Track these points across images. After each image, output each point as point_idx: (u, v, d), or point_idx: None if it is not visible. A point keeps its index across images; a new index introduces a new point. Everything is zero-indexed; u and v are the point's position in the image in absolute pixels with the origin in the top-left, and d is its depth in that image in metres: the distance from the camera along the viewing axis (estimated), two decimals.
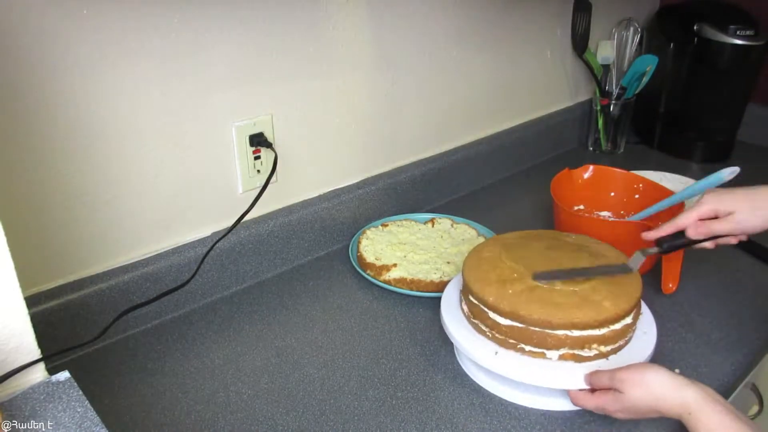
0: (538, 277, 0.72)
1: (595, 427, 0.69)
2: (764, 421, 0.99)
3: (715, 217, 0.75)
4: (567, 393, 0.69)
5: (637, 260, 0.77)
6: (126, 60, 0.75)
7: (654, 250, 0.79)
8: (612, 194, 1.07)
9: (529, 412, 0.71)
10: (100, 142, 0.76)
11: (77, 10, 0.69)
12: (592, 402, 0.66)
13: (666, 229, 0.78)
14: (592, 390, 0.67)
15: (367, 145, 1.08)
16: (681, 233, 0.77)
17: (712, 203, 0.75)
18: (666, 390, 0.60)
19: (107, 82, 0.74)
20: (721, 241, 0.78)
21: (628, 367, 0.64)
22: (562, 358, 0.69)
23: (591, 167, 1.07)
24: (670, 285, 0.90)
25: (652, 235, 0.79)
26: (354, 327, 0.86)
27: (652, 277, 0.94)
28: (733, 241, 0.78)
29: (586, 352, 0.69)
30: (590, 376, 0.67)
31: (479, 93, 1.25)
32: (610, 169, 1.08)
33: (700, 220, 0.76)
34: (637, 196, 1.05)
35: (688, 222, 0.76)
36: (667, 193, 0.96)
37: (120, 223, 0.81)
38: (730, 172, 0.83)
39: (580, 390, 0.68)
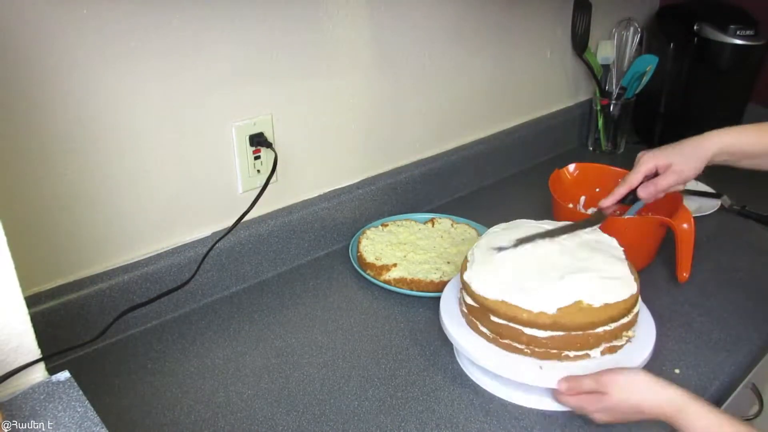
0: (500, 248, 0.75)
1: (594, 427, 0.69)
2: (764, 421, 0.99)
3: (656, 174, 0.86)
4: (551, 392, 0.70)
5: (600, 218, 0.86)
6: (126, 60, 0.75)
7: (606, 213, 0.87)
8: (597, 190, 1.07)
9: (529, 412, 0.71)
10: (100, 142, 0.76)
11: (77, 10, 0.69)
12: (574, 401, 0.67)
13: (619, 194, 0.88)
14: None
15: (367, 145, 1.08)
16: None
17: (650, 161, 0.86)
18: (651, 390, 0.61)
19: (107, 82, 0.74)
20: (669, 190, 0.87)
21: (611, 369, 0.65)
22: (602, 353, 0.70)
23: (574, 165, 1.08)
24: (684, 274, 0.91)
25: (609, 202, 0.89)
26: (354, 327, 0.86)
27: (652, 277, 0.94)
28: (680, 187, 0.88)
29: (619, 342, 0.71)
30: (569, 382, 0.67)
31: (479, 93, 1.25)
32: (593, 165, 1.09)
33: (646, 178, 0.86)
34: None
35: (636, 181, 0.87)
36: None
37: (120, 223, 0.81)
38: None
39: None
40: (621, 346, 0.71)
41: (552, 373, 0.68)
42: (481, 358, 0.71)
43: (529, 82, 1.36)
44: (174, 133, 0.82)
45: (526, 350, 0.70)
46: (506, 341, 0.71)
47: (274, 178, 0.90)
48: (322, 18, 0.92)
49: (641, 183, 0.86)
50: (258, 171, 0.93)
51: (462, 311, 0.77)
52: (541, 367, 0.69)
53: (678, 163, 0.84)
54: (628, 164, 1.14)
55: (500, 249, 0.75)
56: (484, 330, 0.73)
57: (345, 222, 1.06)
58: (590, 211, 1.09)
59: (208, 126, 0.85)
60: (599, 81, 1.42)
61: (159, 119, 0.80)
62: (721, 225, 1.12)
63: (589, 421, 0.69)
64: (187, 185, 0.86)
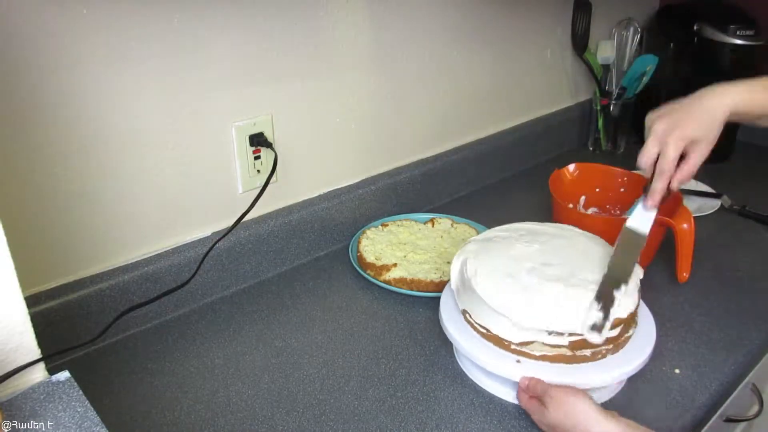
0: (592, 328, 0.69)
1: None
2: (764, 421, 0.99)
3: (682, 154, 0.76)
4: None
5: (646, 222, 0.77)
6: (126, 60, 0.75)
7: (655, 211, 0.78)
8: (597, 190, 1.07)
9: None
10: (100, 142, 0.76)
11: (77, 10, 0.69)
12: (524, 402, 0.69)
13: (660, 188, 0.77)
14: None
15: (367, 145, 1.08)
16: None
17: (677, 141, 0.75)
18: (587, 421, 0.61)
19: (107, 82, 0.74)
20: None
21: (561, 388, 0.65)
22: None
23: (574, 165, 1.08)
24: (684, 274, 0.91)
25: (656, 200, 0.78)
26: (354, 327, 0.86)
27: (652, 277, 0.94)
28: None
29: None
30: (530, 381, 0.67)
31: (479, 93, 1.25)
32: (593, 165, 1.09)
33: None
34: (622, 189, 1.06)
35: (672, 172, 0.76)
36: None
37: (120, 223, 0.81)
38: None
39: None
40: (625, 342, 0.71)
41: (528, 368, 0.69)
42: (480, 358, 0.71)
43: (529, 82, 1.36)
44: (174, 133, 0.82)
45: (576, 356, 0.70)
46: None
47: (274, 178, 0.90)
48: (322, 18, 0.92)
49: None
50: (258, 171, 0.93)
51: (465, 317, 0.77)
52: (518, 361, 0.70)
53: (700, 135, 0.75)
54: (629, 164, 1.14)
55: (598, 329, 0.68)
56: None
57: (345, 222, 1.06)
58: (590, 211, 1.08)
59: (208, 126, 0.85)
60: (599, 81, 1.42)
61: (159, 119, 0.80)
62: (721, 225, 1.12)
63: None
64: (187, 185, 0.86)
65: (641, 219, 0.78)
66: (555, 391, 0.65)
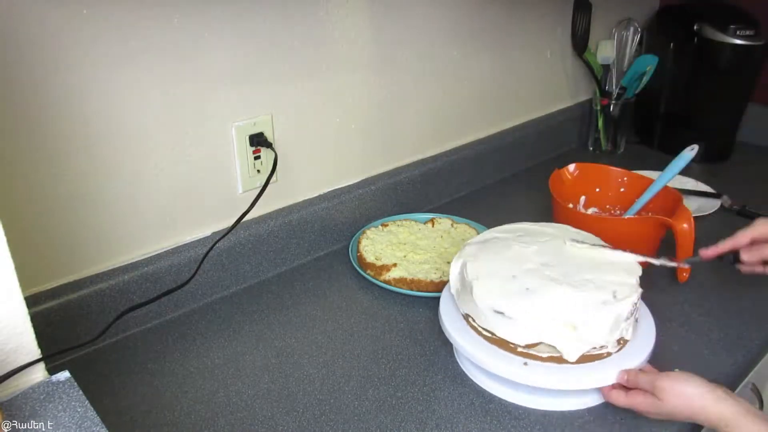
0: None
1: (594, 427, 0.69)
2: None
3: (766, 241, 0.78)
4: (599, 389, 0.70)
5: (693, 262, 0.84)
6: (126, 60, 0.75)
7: (695, 260, 0.83)
8: (597, 190, 1.08)
9: (529, 412, 0.71)
10: (100, 142, 0.76)
11: (77, 10, 0.69)
12: (626, 401, 0.68)
13: (723, 248, 0.81)
14: (626, 388, 0.69)
15: (367, 145, 1.08)
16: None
17: (765, 227, 0.78)
18: (706, 403, 0.62)
19: (107, 83, 0.74)
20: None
21: (668, 375, 0.65)
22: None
23: (574, 165, 1.08)
24: (684, 274, 0.92)
25: (711, 253, 0.81)
26: (354, 327, 0.86)
27: (652, 276, 0.94)
28: None
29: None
30: (628, 375, 0.68)
31: (479, 93, 1.25)
32: (593, 165, 1.09)
33: (754, 242, 0.79)
34: (622, 189, 1.06)
35: (743, 242, 0.79)
36: (649, 181, 0.99)
37: (120, 223, 0.81)
38: (690, 149, 0.93)
39: (614, 387, 0.69)
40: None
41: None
42: (481, 358, 0.71)
43: (529, 82, 1.36)
44: (174, 133, 0.82)
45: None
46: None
47: (274, 178, 0.90)
48: (322, 18, 0.92)
49: (747, 245, 0.80)
50: (258, 171, 0.93)
51: (465, 318, 0.77)
52: (525, 363, 0.69)
53: None
54: (629, 164, 1.14)
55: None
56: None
57: (345, 222, 1.06)
58: (590, 211, 1.08)
59: (208, 126, 0.85)
60: (599, 81, 1.42)
61: (159, 119, 0.80)
62: (721, 225, 1.12)
63: (591, 420, 0.69)
64: (187, 185, 0.86)
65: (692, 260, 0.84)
66: (664, 382, 0.64)
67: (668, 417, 0.65)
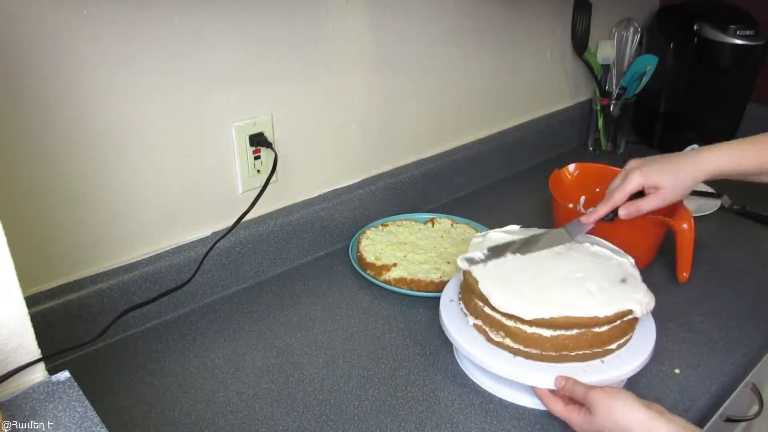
0: (470, 262, 0.74)
1: None
2: (764, 421, 0.99)
3: (641, 191, 0.82)
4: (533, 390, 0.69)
5: (578, 231, 0.83)
6: (126, 60, 0.75)
7: (590, 226, 0.84)
8: (597, 190, 1.08)
9: (529, 412, 0.71)
10: (100, 142, 0.76)
11: (77, 10, 0.69)
12: (561, 412, 0.66)
13: (601, 211, 0.83)
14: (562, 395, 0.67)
15: (367, 145, 1.08)
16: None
17: (638, 179, 0.81)
18: (634, 424, 0.59)
19: (107, 83, 0.74)
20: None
21: (603, 390, 0.63)
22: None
23: (574, 165, 1.08)
24: (684, 274, 0.91)
25: (591, 218, 0.83)
26: (354, 327, 0.86)
27: (652, 277, 0.94)
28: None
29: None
30: (566, 382, 0.66)
31: (479, 93, 1.25)
32: (593, 165, 1.09)
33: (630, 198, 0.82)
34: None
35: (619, 202, 0.82)
36: None
37: (120, 223, 0.81)
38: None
39: (551, 392, 0.68)
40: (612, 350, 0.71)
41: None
42: (481, 358, 0.71)
43: (529, 82, 1.36)
44: (174, 133, 0.82)
45: (576, 356, 0.69)
46: (529, 350, 0.70)
47: (274, 178, 0.90)
48: (322, 18, 0.92)
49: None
50: (258, 171, 0.93)
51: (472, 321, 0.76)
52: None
53: (667, 187, 0.80)
54: None
55: (471, 261, 0.75)
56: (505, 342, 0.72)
57: (345, 222, 1.06)
58: (590, 211, 1.08)
59: (208, 126, 0.85)
60: (599, 81, 1.42)
61: (159, 119, 0.80)
62: (721, 225, 1.12)
63: None
64: (187, 185, 0.86)
65: (575, 227, 0.83)
66: (597, 395, 0.62)
67: None
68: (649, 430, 0.58)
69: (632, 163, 0.84)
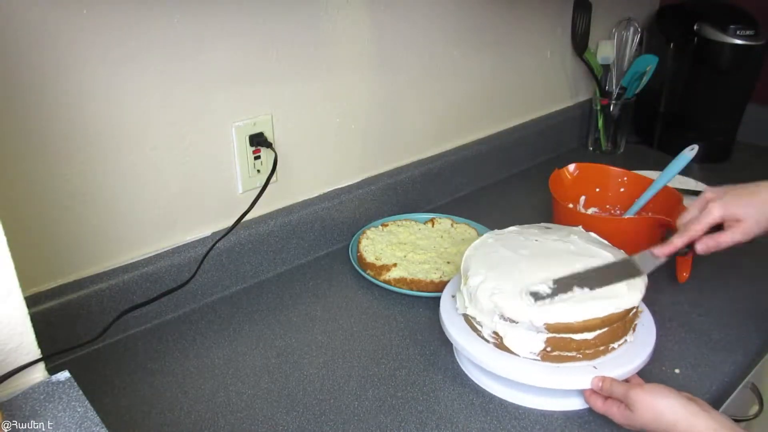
0: (536, 297, 0.69)
1: (594, 428, 0.69)
2: (764, 421, 0.99)
3: (721, 224, 0.74)
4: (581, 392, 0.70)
5: (649, 264, 0.76)
6: (126, 60, 0.75)
7: (662, 260, 0.77)
8: (597, 190, 1.08)
9: (529, 412, 0.71)
10: (100, 142, 0.76)
11: (77, 10, 0.69)
12: (602, 408, 0.67)
13: (677, 244, 0.76)
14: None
15: (367, 145, 1.08)
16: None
17: (719, 211, 0.74)
18: (678, 418, 0.60)
19: (107, 83, 0.74)
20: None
21: (643, 388, 0.64)
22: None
23: (574, 165, 1.08)
24: (684, 274, 0.91)
25: (666, 251, 0.77)
26: (354, 327, 0.86)
27: (652, 277, 0.94)
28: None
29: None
30: (603, 382, 0.67)
31: (479, 93, 1.25)
32: (593, 165, 1.09)
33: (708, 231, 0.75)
34: (622, 189, 1.06)
35: (697, 235, 0.75)
36: (649, 181, 0.99)
37: (120, 223, 0.81)
38: (690, 149, 0.91)
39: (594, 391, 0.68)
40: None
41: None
42: (481, 358, 0.71)
43: (529, 82, 1.36)
44: (174, 133, 0.82)
45: (576, 355, 0.70)
46: (555, 353, 0.70)
47: (274, 178, 0.90)
48: (322, 18, 0.92)
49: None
50: (258, 171, 0.93)
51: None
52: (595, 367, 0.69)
53: (749, 218, 0.72)
54: (629, 164, 1.14)
55: (537, 296, 0.69)
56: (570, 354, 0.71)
57: (345, 222, 1.06)
58: (591, 211, 1.09)
59: (208, 126, 0.85)
60: (599, 81, 1.42)
61: (159, 119, 0.80)
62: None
63: (591, 420, 0.69)
64: (187, 185, 0.86)
65: (646, 260, 0.77)
66: (638, 394, 0.63)
67: (641, 429, 0.64)
68: (691, 426, 0.59)
69: (710, 194, 0.76)
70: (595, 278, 0.72)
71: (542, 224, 0.86)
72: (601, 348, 0.70)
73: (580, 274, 0.72)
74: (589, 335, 0.68)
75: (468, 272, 0.75)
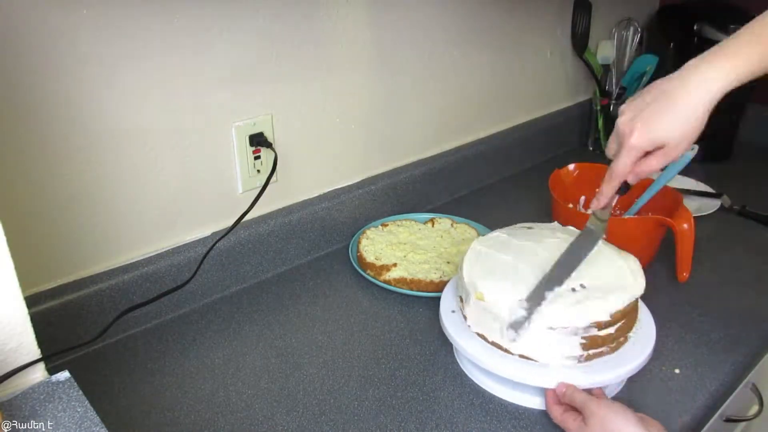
0: (517, 327, 0.68)
1: None
2: (764, 421, 0.99)
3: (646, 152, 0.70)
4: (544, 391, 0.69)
5: (599, 224, 0.75)
6: (126, 60, 0.75)
7: (607, 212, 0.76)
8: (597, 190, 1.07)
9: (529, 412, 0.71)
10: (100, 142, 0.76)
11: (77, 10, 0.69)
12: (560, 418, 0.66)
13: (608, 193, 0.74)
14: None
15: (367, 145, 1.08)
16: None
17: (641, 143, 0.69)
18: None
19: (107, 82, 0.74)
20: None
21: (600, 401, 0.63)
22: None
23: (574, 165, 1.08)
24: (684, 274, 0.91)
25: (602, 203, 0.75)
26: (354, 327, 0.86)
27: (652, 277, 0.94)
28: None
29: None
30: (567, 389, 0.66)
31: (479, 93, 1.25)
32: (593, 165, 1.09)
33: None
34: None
35: (625, 172, 0.71)
36: (649, 181, 0.98)
37: (120, 223, 0.81)
38: (690, 149, 0.85)
39: (555, 395, 0.68)
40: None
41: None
42: (481, 358, 0.71)
43: (529, 82, 1.36)
44: (174, 133, 0.82)
45: (605, 350, 0.70)
46: (587, 352, 0.69)
47: (274, 178, 0.90)
48: (322, 18, 0.92)
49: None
50: (258, 171, 0.93)
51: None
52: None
53: (671, 140, 0.68)
54: None
55: (517, 327, 0.67)
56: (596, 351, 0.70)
57: (345, 222, 1.06)
58: (590, 211, 1.08)
59: (208, 126, 0.85)
60: (599, 81, 1.42)
61: (159, 119, 0.80)
62: (721, 225, 1.12)
63: None
64: (187, 185, 0.86)
65: (595, 222, 0.76)
66: (594, 407, 0.62)
67: None
68: None
69: (624, 126, 0.70)
70: (565, 268, 0.71)
71: (522, 224, 0.86)
72: (621, 339, 0.71)
73: (545, 277, 0.71)
74: (611, 329, 0.69)
75: (476, 287, 0.73)
